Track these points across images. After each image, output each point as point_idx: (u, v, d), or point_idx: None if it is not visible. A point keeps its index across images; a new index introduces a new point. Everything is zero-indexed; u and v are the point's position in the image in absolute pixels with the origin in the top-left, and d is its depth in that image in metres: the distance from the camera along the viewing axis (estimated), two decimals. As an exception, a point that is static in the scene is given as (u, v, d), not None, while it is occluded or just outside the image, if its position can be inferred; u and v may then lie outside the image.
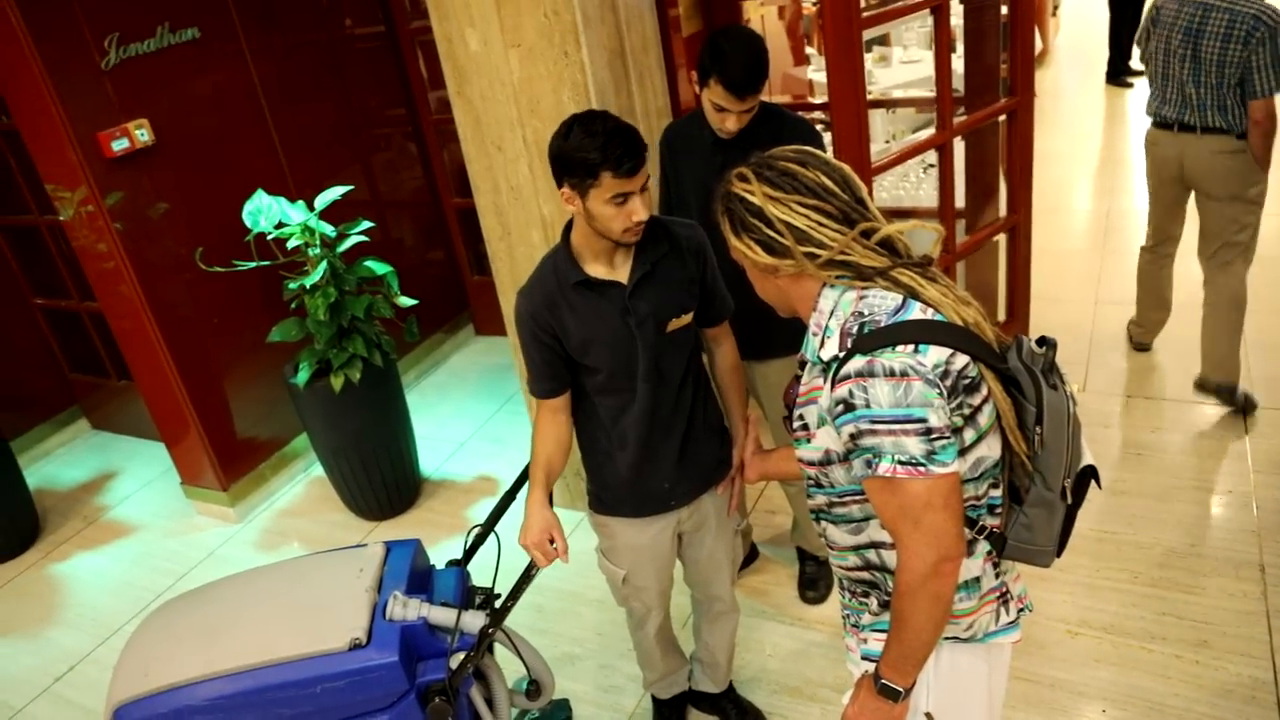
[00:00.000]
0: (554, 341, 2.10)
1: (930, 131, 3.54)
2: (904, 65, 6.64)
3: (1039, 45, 9.58)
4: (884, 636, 1.62)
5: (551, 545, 2.12)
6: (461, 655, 2.08)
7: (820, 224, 1.50)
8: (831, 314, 1.53)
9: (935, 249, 1.62)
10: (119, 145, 3.69)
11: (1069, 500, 1.54)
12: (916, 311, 1.46)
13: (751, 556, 3.45)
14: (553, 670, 2.41)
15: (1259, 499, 3.32)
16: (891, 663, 1.58)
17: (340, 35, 4.83)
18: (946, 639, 1.63)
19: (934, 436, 1.40)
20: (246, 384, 4.33)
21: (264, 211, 3.63)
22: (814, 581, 3.26)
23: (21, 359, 5.06)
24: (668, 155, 2.80)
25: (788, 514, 3.38)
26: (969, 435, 1.48)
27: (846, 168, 1.57)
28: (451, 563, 2.40)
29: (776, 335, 2.81)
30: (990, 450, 1.52)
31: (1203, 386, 3.94)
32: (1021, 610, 1.72)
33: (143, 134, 3.77)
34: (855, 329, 1.47)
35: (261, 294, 4.20)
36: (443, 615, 2.11)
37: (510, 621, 2.22)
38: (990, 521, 1.58)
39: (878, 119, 5.96)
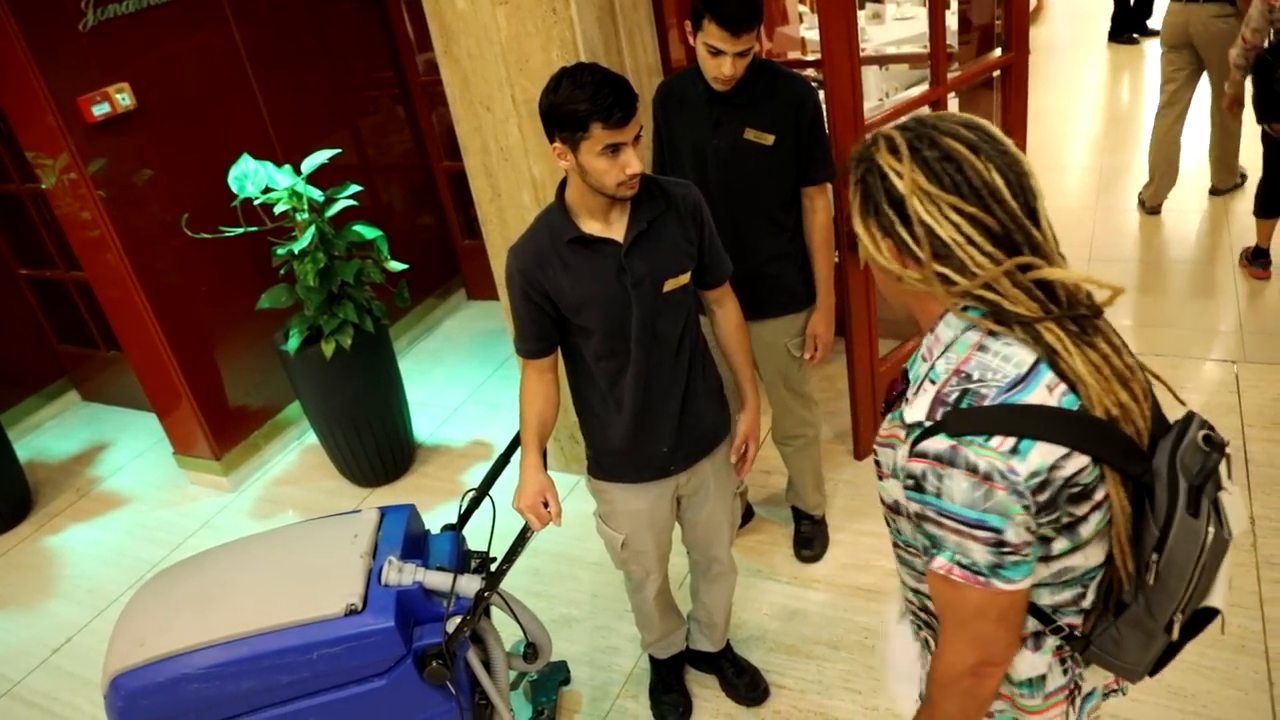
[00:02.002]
0: (544, 301, 2.07)
1: (924, 88, 3.51)
2: (897, 22, 6.56)
3: (1034, 1, 9.48)
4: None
5: (546, 508, 2.12)
6: (458, 619, 2.09)
7: (970, 240, 1.18)
8: (945, 351, 1.27)
9: (1105, 301, 1.26)
10: (100, 110, 3.63)
11: (1175, 637, 1.28)
12: (1040, 389, 1.18)
13: (747, 516, 3.46)
14: (550, 633, 2.42)
15: (1250, 453, 3.33)
16: None
17: (324, -4, 4.75)
18: None
19: (1006, 550, 1.17)
20: (237, 352, 4.30)
21: (250, 176, 3.58)
22: (809, 540, 3.27)
23: (8, 331, 5.01)
24: (661, 113, 2.76)
25: (783, 474, 3.39)
26: (1060, 545, 1.23)
27: (1026, 162, 1.22)
28: (446, 527, 2.40)
29: (773, 295, 2.81)
30: (1087, 560, 1.27)
31: (1216, 191, 5.22)
32: (1112, 693, 1.50)
33: (124, 98, 3.71)
34: (954, 397, 1.21)
35: (250, 260, 4.17)
36: (438, 580, 2.11)
37: (507, 585, 2.22)
38: (1071, 620, 1.33)
39: (871, 76, 5.89)
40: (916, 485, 1.22)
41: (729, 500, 2.49)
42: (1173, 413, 1.32)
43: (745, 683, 2.79)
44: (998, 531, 1.17)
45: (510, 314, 2.14)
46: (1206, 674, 2.59)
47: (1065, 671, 1.39)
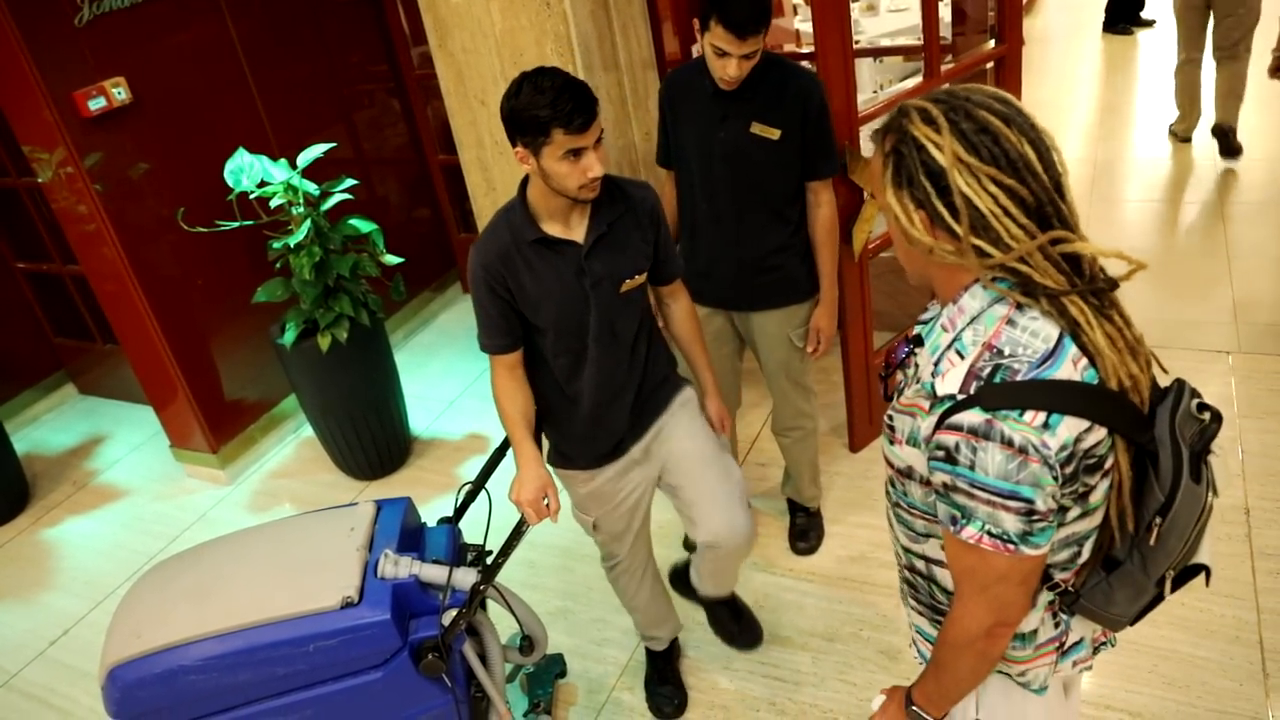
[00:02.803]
0: (509, 295, 2.10)
1: (918, 80, 3.51)
2: (891, 14, 6.56)
3: (1028, -8, 9.46)
4: (925, 612, 1.56)
5: (545, 504, 2.13)
6: (454, 612, 2.10)
7: (1007, 212, 1.20)
8: (971, 322, 1.29)
9: (1123, 276, 1.29)
10: (96, 104, 3.62)
11: (1165, 593, 1.36)
12: (1066, 364, 1.22)
13: (742, 509, 3.47)
14: (546, 625, 2.43)
15: (1244, 443, 3.34)
16: (926, 695, 1.49)
17: (319, -11, 4.74)
18: (998, 673, 1.50)
19: (1035, 518, 1.22)
20: (233, 345, 4.30)
21: (246, 170, 3.58)
22: (805, 533, 3.28)
23: (5, 325, 5.00)
24: (667, 105, 2.76)
25: (778, 466, 3.40)
26: (1072, 514, 1.30)
27: (1052, 137, 1.24)
28: (443, 520, 2.41)
29: (776, 286, 2.82)
30: (1089, 524, 1.34)
31: (1218, 132, 5.54)
32: (1101, 646, 1.56)
33: (120, 93, 3.70)
34: (987, 371, 1.23)
35: (246, 254, 4.16)
36: (434, 572, 2.12)
37: (503, 578, 2.23)
38: (1063, 576, 1.39)
39: (865, 68, 5.89)
40: (948, 457, 1.24)
41: (711, 442, 2.41)
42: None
43: (741, 625, 2.80)
44: (1029, 501, 1.21)
45: (475, 311, 2.16)
46: (1201, 665, 2.61)
47: (1057, 624, 1.45)
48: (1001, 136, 1.20)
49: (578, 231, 2.08)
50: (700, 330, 2.46)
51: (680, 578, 2.88)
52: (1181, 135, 5.97)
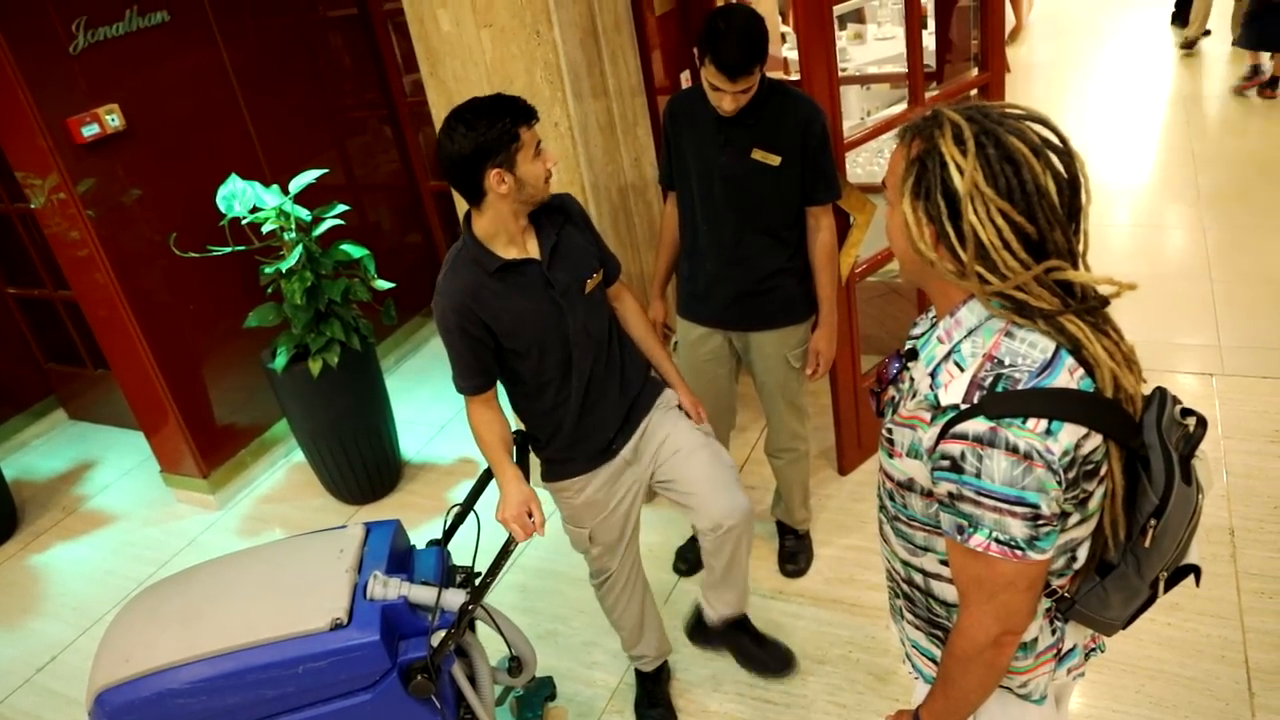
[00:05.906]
0: (484, 333, 2.15)
1: (904, 106, 3.56)
2: (878, 42, 6.65)
3: (1012, 21, 9.59)
4: (923, 626, 1.58)
5: (529, 519, 2.15)
6: (442, 633, 2.10)
7: (1007, 245, 1.23)
8: (969, 335, 1.33)
9: (1112, 294, 1.33)
10: (89, 131, 3.65)
11: (1158, 593, 1.40)
12: (1063, 373, 1.26)
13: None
14: (536, 648, 2.44)
15: (1228, 464, 3.37)
16: (935, 713, 1.50)
17: (312, 17, 4.78)
18: (999, 687, 1.50)
19: (1040, 523, 1.25)
20: (225, 370, 4.31)
21: (238, 196, 3.61)
22: (794, 555, 3.29)
23: (-4, 350, 5.02)
24: (671, 126, 2.80)
25: (768, 489, 3.41)
26: (1072, 520, 1.33)
27: (1081, 162, 1.27)
28: (432, 543, 2.41)
29: (769, 307, 2.86)
30: (1086, 530, 1.37)
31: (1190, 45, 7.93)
32: (1092, 652, 1.58)
33: (113, 119, 3.73)
34: (989, 381, 1.27)
35: (238, 279, 4.18)
36: (423, 594, 2.12)
37: (494, 601, 2.24)
38: (1059, 583, 1.42)
39: (852, 95, 5.97)
40: (954, 466, 1.27)
41: (695, 433, 2.48)
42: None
43: (768, 652, 2.78)
44: (1034, 507, 1.24)
45: (449, 355, 2.21)
46: (1188, 685, 2.62)
47: (1054, 631, 1.48)
48: (1024, 166, 1.22)
49: (532, 250, 2.17)
50: (652, 326, 2.56)
51: (697, 628, 2.82)
52: (1185, 41, 8.08)
